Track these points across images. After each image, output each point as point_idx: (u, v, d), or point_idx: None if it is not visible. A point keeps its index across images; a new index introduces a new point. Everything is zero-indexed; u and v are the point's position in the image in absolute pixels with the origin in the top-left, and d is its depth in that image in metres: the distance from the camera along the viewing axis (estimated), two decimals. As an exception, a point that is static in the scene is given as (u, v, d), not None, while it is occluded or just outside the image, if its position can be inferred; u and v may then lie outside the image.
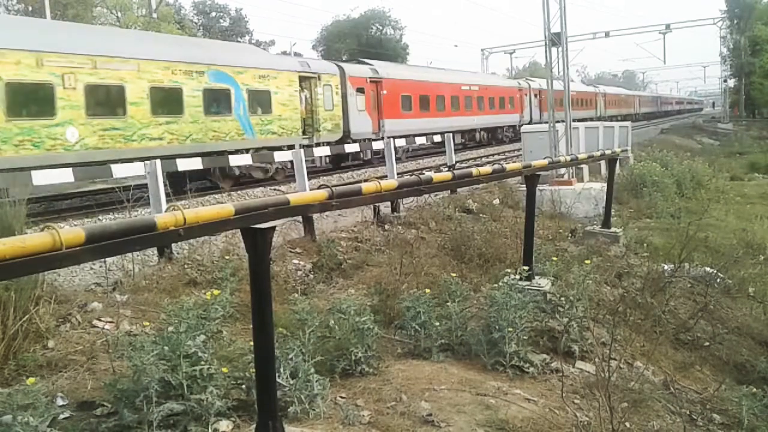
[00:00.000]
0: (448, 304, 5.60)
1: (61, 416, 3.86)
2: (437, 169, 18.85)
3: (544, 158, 8.53)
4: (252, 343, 3.80)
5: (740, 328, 7.84)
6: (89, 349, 4.84)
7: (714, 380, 6.32)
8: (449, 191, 12.74)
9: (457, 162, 17.41)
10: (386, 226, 10.13)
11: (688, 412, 5.33)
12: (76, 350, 4.81)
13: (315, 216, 9.20)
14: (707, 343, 7.19)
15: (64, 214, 13.77)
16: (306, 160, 12.57)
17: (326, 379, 4.26)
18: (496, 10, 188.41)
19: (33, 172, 9.47)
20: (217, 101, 17.38)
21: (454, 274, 6.43)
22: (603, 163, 15.47)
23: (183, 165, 11.86)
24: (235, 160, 13.85)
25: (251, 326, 3.73)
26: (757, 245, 11.23)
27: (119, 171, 10.93)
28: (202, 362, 3.78)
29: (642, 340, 6.60)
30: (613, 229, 10.28)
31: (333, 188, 4.14)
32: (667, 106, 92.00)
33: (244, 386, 4.15)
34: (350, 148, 15.56)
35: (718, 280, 8.94)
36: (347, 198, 4.28)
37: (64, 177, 10.77)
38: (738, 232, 12.01)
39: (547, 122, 15.88)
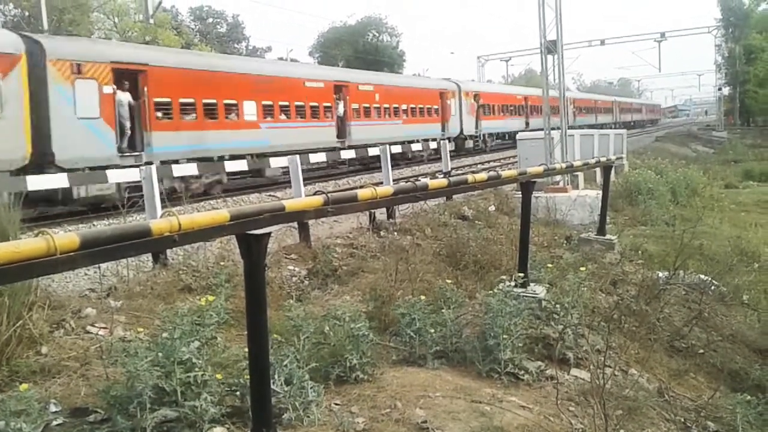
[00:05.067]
0: (443, 310, 5.60)
1: (54, 422, 3.84)
2: (433, 175, 18.89)
3: (540, 165, 8.54)
4: (246, 350, 3.79)
5: (735, 336, 7.85)
6: (83, 355, 4.82)
7: (708, 388, 6.32)
8: (445, 198, 12.76)
9: (452, 169, 17.46)
10: (382, 233, 10.13)
11: (682, 420, 5.33)
12: (69, 356, 4.79)
13: (310, 222, 9.20)
14: (702, 351, 7.20)
15: (58, 219, 13.75)
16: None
17: (321, 386, 4.24)
18: (493, 15, 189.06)
19: (28, 177, 9.46)
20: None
21: (449, 281, 6.43)
22: (598, 170, 15.52)
23: (178, 171, 11.89)
24: (229, 166, 13.97)
25: (246, 332, 3.72)
26: (752, 253, 11.28)
27: (113, 176, 10.94)
28: (197, 369, 3.77)
29: (637, 348, 6.60)
30: (608, 237, 10.30)
31: (329, 194, 4.14)
32: (627, 115, 71.76)
33: (238, 393, 4.13)
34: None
35: (713, 287, 8.96)
36: (343, 204, 4.29)
37: (59, 182, 10.80)
38: (732, 240, 12.04)
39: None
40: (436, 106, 31.95)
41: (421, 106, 30.58)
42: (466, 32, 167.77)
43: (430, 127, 31.18)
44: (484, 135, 36.84)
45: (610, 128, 43.40)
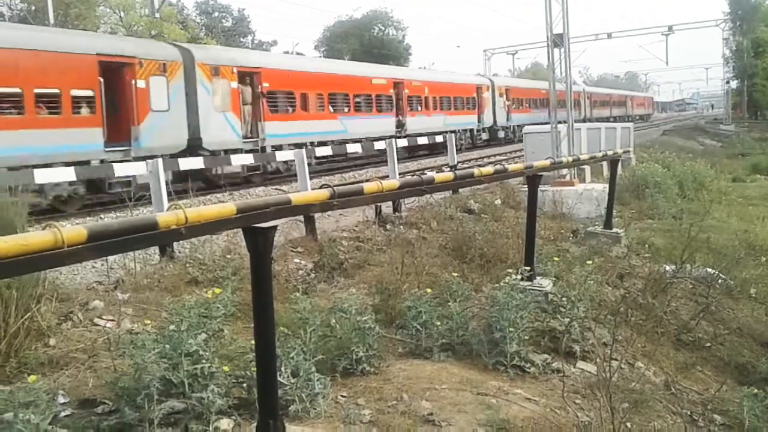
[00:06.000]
0: (450, 303, 5.60)
1: (62, 414, 3.86)
2: (439, 169, 18.86)
3: (546, 159, 8.52)
4: (253, 342, 3.80)
5: (742, 329, 7.83)
6: (90, 347, 4.85)
7: (715, 381, 6.31)
8: (451, 191, 12.74)
9: (459, 162, 17.44)
10: (388, 226, 10.13)
11: (689, 413, 5.32)
12: (77, 348, 4.82)
13: (316, 215, 9.21)
14: (709, 344, 7.18)
15: (66, 213, 13.79)
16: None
17: (327, 378, 4.26)
18: (498, 11, 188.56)
19: (35, 171, 9.51)
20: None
21: (455, 274, 6.42)
22: (605, 163, 15.46)
23: (185, 164, 11.91)
24: (236, 160, 13.98)
25: (252, 325, 3.73)
26: (759, 246, 11.20)
27: (120, 170, 10.97)
28: (204, 361, 3.79)
29: (643, 341, 6.60)
30: (614, 230, 10.27)
31: (335, 188, 4.14)
32: (604, 109, 54.87)
33: (245, 385, 4.15)
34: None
35: (720, 281, 8.92)
36: (349, 198, 4.29)
37: (67, 175, 10.84)
38: (740, 233, 11.98)
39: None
40: (88, 93, 14.77)
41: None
42: (473, 26, 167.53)
43: (62, 136, 14.05)
44: (278, 146, 19.35)
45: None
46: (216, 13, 61.42)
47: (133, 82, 15.85)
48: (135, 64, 15.89)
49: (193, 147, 17.21)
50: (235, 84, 18.78)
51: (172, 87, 16.79)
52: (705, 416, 5.38)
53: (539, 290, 6.30)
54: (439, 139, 18.02)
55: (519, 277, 6.10)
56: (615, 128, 20.86)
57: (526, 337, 5.32)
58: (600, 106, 54.62)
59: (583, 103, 48.03)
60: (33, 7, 36.16)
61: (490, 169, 6.54)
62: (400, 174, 13.06)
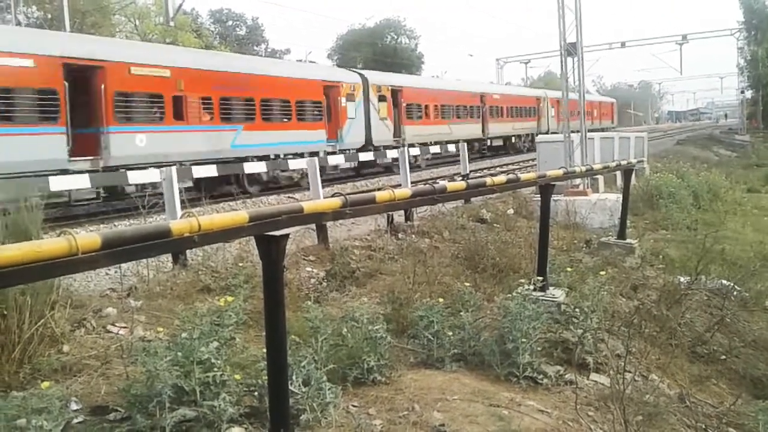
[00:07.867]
0: (462, 313, 5.58)
1: (75, 420, 3.87)
2: (451, 178, 18.84)
3: (559, 168, 8.49)
4: (264, 350, 3.80)
5: (757, 342, 7.74)
6: (103, 354, 4.87)
7: (730, 394, 6.24)
8: (463, 201, 12.73)
9: (470, 171, 17.42)
10: (400, 235, 10.12)
11: (703, 427, 5.26)
12: (90, 355, 4.84)
13: (329, 224, 9.22)
14: (724, 357, 7.11)
15: (80, 220, 13.91)
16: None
17: (338, 388, 4.24)
18: (511, 22, 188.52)
19: (50, 178, 9.59)
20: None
21: (467, 284, 6.40)
22: (618, 173, 15.39)
23: (198, 172, 11.98)
24: (249, 167, 14.10)
25: (264, 333, 3.73)
26: (775, 258, 11.10)
27: (134, 177, 11.05)
28: (215, 369, 3.79)
29: (657, 353, 6.53)
30: (628, 241, 10.20)
31: (347, 196, 4.14)
32: (494, 124, 34.93)
33: (256, 393, 4.14)
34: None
35: (735, 292, 8.84)
36: (361, 206, 4.29)
37: (81, 183, 10.93)
38: (755, 245, 11.89)
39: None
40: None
41: None
42: (485, 35, 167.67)
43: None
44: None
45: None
46: (230, 22, 61.94)
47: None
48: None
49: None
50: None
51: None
52: (720, 430, 5.32)
53: (552, 301, 6.26)
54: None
55: (531, 287, 6.07)
56: (629, 138, 20.80)
57: (539, 348, 5.28)
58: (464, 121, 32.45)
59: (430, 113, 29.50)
60: (49, 15, 36.60)
61: (502, 178, 6.52)
62: (412, 182, 13.07)
